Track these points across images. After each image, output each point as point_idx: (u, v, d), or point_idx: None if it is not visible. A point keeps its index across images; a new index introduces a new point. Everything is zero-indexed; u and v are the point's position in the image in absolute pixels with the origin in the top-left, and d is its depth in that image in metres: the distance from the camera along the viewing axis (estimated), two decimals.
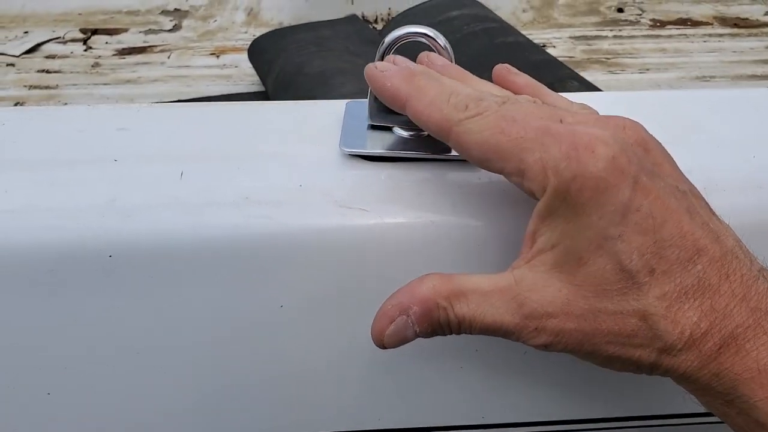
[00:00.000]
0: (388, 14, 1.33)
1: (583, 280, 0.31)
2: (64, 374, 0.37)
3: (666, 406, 0.42)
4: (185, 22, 1.34)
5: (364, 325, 0.34)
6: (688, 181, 0.33)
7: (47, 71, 1.21)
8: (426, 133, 0.39)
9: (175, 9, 1.37)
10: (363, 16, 1.32)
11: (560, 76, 0.98)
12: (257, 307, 0.37)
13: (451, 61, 0.38)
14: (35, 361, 0.37)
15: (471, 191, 0.37)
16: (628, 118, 0.33)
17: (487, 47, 1.06)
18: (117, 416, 0.39)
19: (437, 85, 0.34)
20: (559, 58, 1.08)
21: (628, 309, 0.31)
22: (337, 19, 1.22)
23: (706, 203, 0.33)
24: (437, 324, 0.33)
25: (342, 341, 0.38)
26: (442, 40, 0.37)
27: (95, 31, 1.32)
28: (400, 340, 0.33)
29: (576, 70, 1.03)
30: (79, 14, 1.37)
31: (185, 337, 0.37)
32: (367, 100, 0.40)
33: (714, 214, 0.33)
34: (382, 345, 0.33)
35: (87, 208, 0.35)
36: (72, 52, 1.26)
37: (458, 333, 0.33)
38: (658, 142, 0.33)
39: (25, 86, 1.17)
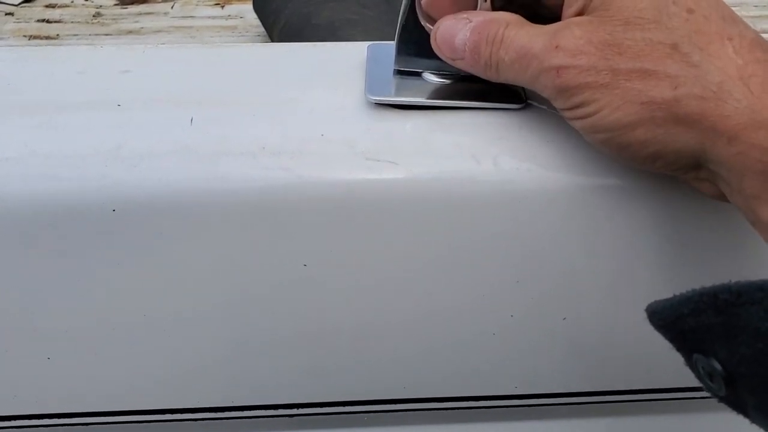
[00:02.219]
0: None
1: (615, 11, 0.30)
2: (65, 337, 0.35)
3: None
4: None
5: (393, 287, 0.31)
6: None
7: (47, 21, 1.17)
8: (458, 80, 0.36)
9: None
10: None
11: None
12: (278, 265, 0.34)
13: None
14: (33, 323, 0.34)
15: (509, 142, 0.34)
16: None
17: None
18: (120, 382, 0.37)
19: None
20: None
21: (658, 37, 0.29)
22: None
23: None
24: (485, 33, 0.33)
25: (369, 303, 0.35)
26: None
27: None
28: (449, 32, 0.34)
29: None
30: None
31: (196, 299, 0.35)
32: (389, 43, 0.37)
33: None
34: (435, 32, 0.34)
35: (89, 155, 0.32)
36: (72, 2, 1.22)
37: (496, 53, 0.33)
38: None
39: (25, 36, 1.13)
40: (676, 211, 0.34)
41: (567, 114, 0.32)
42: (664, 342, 0.38)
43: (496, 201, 0.33)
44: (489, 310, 0.36)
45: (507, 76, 0.33)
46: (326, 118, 0.35)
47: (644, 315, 0.32)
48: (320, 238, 0.33)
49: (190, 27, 1.16)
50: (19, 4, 1.21)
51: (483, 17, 0.34)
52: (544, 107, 0.36)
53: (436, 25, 0.35)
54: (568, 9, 0.32)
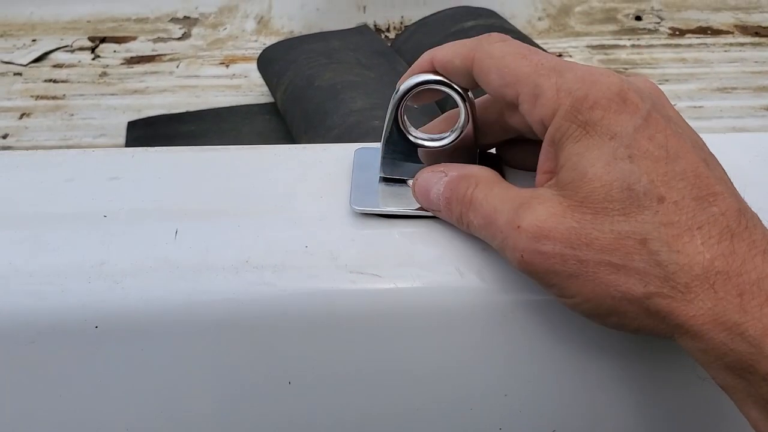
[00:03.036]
0: (401, 23, 1.29)
1: (584, 197, 0.29)
2: None
3: None
4: (195, 30, 1.32)
5: (379, 401, 0.31)
6: (706, 146, 0.31)
7: (54, 81, 1.19)
8: None
9: (185, 17, 1.35)
10: (375, 25, 1.29)
11: None
12: (262, 383, 0.34)
13: (469, 105, 0.35)
14: None
15: (494, 252, 0.34)
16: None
17: None
18: None
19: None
20: None
21: (627, 230, 0.28)
22: (348, 30, 1.19)
23: (724, 170, 0.31)
24: (456, 190, 0.33)
25: (355, 418, 0.35)
26: (460, 88, 0.34)
27: (103, 40, 1.30)
28: (425, 185, 0.34)
29: None
30: (88, 22, 1.34)
31: (179, 417, 0.34)
32: (375, 146, 0.37)
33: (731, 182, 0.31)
34: (414, 183, 0.35)
35: (72, 272, 0.32)
36: (80, 61, 1.24)
37: (466, 214, 0.33)
38: (672, 105, 0.32)
39: (32, 96, 1.15)
40: None
41: (542, 287, 0.31)
42: None
43: (482, 314, 0.33)
44: (477, 423, 0.35)
45: (479, 236, 0.33)
46: (310, 228, 0.34)
47: (634, 427, 0.31)
48: (304, 354, 0.33)
49: (195, 86, 1.17)
50: (28, 64, 1.23)
51: (457, 172, 0.34)
52: None
53: (416, 176, 0.35)
54: (544, 163, 0.32)
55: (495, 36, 0.33)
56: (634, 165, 0.29)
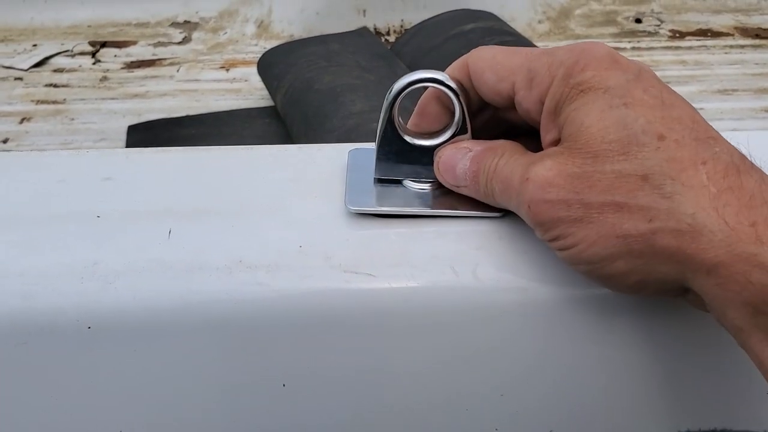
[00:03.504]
0: (401, 26, 1.29)
1: (583, 144, 0.30)
2: None
3: None
4: (195, 35, 1.32)
5: (373, 402, 0.31)
6: None
7: (55, 85, 1.19)
8: (438, 187, 0.36)
9: (185, 21, 1.35)
10: (375, 28, 1.28)
11: None
12: (256, 386, 0.34)
13: (462, 101, 0.35)
14: None
15: (489, 251, 0.34)
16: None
17: None
18: None
19: None
20: None
21: (627, 168, 0.29)
22: (347, 32, 1.19)
23: None
24: (483, 162, 0.34)
25: (350, 420, 0.34)
26: (453, 84, 0.34)
27: (104, 44, 1.30)
28: (450, 162, 0.35)
29: None
30: (89, 26, 1.34)
31: (172, 419, 0.34)
32: (369, 146, 0.37)
33: None
34: (438, 161, 0.35)
35: (65, 272, 0.32)
36: (80, 66, 1.24)
37: (490, 183, 0.33)
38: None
39: (33, 101, 1.15)
40: (662, 322, 0.34)
41: (549, 245, 0.32)
42: None
43: (476, 313, 0.33)
44: (473, 423, 0.35)
45: (502, 205, 0.34)
46: (305, 228, 0.34)
47: (631, 426, 0.31)
48: (298, 354, 0.33)
49: (195, 90, 1.17)
50: (28, 69, 1.23)
51: (482, 146, 0.34)
52: None
53: (438, 154, 0.35)
54: (546, 136, 0.32)
55: (484, 45, 0.35)
56: (629, 110, 0.29)
